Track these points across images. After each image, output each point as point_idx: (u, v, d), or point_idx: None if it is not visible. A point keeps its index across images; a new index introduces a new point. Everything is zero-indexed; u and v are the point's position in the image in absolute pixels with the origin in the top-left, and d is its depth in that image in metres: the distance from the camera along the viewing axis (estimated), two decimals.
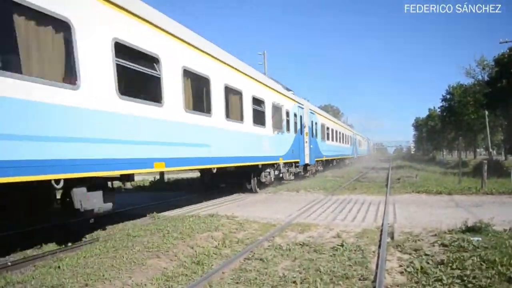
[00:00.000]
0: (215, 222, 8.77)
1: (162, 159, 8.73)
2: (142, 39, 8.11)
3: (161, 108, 8.73)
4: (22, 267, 6.20)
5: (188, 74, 9.95)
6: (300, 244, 7.04)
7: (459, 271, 5.12)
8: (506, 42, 27.87)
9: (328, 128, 30.08)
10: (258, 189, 16.41)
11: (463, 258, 5.54)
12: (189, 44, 10.01)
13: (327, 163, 32.31)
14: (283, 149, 17.78)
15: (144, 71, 8.26)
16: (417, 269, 5.29)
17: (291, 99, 19.62)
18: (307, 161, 21.97)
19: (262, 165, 15.32)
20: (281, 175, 18.06)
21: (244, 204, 12.85)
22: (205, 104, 11.00)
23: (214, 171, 11.51)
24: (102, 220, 9.84)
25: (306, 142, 22.00)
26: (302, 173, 22.40)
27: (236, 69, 12.88)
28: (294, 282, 5.05)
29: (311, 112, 23.71)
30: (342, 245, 6.74)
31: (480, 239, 6.60)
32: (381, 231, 7.89)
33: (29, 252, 7.27)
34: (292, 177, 20.07)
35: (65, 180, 6.25)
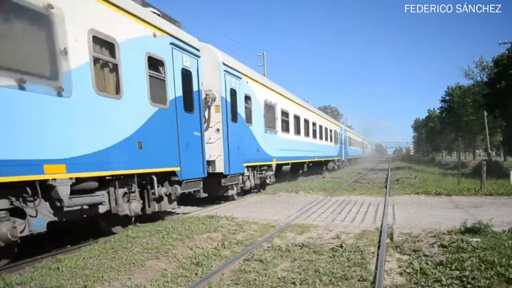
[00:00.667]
0: (214, 223, 8.76)
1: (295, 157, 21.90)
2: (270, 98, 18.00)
3: (293, 135, 21.59)
4: (21, 269, 6.20)
5: (314, 125, 26.62)
6: (300, 245, 7.05)
7: (458, 272, 5.13)
8: (505, 43, 27.90)
9: (351, 138, 52.50)
10: (326, 174, 28.22)
11: (462, 259, 5.54)
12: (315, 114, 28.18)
13: (349, 160, 51.43)
14: (336, 152, 35.97)
15: (284, 118, 19.86)
16: (416, 270, 5.30)
17: (337, 125, 38.79)
18: (343, 159, 40.53)
19: (330, 160, 32.44)
20: (335, 166, 34.94)
21: (244, 205, 12.85)
22: (319, 134, 28.17)
23: (322, 161, 29.48)
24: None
25: (343, 148, 40.18)
26: (341, 166, 40.00)
27: (329, 120, 33.44)
28: (294, 283, 5.05)
29: (344, 130, 43.25)
30: (341, 246, 6.75)
31: (479, 240, 6.61)
32: (380, 232, 7.90)
33: (28, 253, 7.26)
34: (337, 167, 36.56)
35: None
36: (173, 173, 9.75)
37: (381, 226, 8.49)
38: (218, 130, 12.63)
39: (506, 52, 29.97)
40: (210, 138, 12.23)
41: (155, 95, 9.02)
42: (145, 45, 8.81)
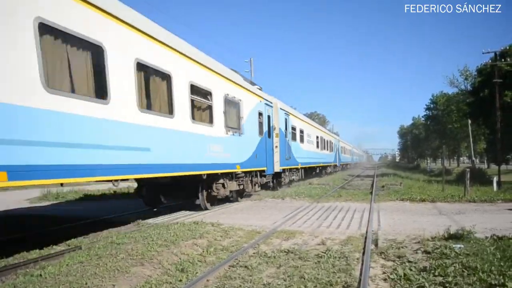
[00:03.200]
0: (200, 230, 8.73)
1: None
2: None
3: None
4: (3, 275, 6.10)
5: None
6: (285, 251, 7.05)
7: (441, 277, 5.18)
8: (489, 52, 28.38)
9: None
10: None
11: (445, 265, 5.60)
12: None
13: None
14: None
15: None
16: (400, 276, 5.34)
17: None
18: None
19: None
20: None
21: (229, 212, 12.82)
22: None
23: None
24: (86, 227, 9.78)
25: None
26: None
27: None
28: None
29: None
30: (326, 252, 6.77)
31: (462, 246, 6.70)
32: (366, 238, 7.96)
33: (11, 260, 7.16)
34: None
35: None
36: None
37: (366, 232, 8.56)
38: (276, 146, 19.07)
39: (490, 61, 30.47)
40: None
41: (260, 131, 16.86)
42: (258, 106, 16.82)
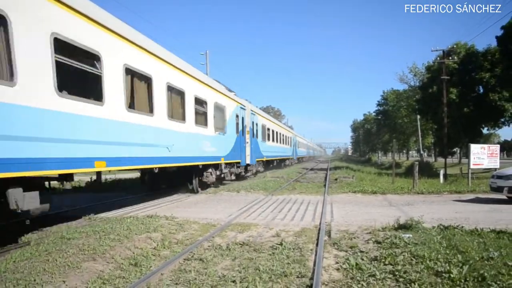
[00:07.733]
0: (154, 223, 8.58)
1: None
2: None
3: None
4: None
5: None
6: (240, 244, 7.07)
7: (391, 266, 5.37)
8: (437, 50, 29.56)
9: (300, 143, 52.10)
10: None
11: (395, 254, 5.82)
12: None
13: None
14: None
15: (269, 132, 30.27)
16: (352, 266, 5.48)
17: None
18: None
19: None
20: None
21: (184, 205, 12.68)
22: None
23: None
24: (35, 223, 9.39)
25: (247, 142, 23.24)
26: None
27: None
28: (234, 281, 5.05)
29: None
30: (281, 244, 6.84)
31: (411, 235, 6.96)
32: (319, 229, 8.11)
33: None
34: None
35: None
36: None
37: (320, 224, 8.72)
38: (247, 142, 21.32)
39: (438, 58, 31.65)
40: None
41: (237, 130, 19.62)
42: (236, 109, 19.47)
